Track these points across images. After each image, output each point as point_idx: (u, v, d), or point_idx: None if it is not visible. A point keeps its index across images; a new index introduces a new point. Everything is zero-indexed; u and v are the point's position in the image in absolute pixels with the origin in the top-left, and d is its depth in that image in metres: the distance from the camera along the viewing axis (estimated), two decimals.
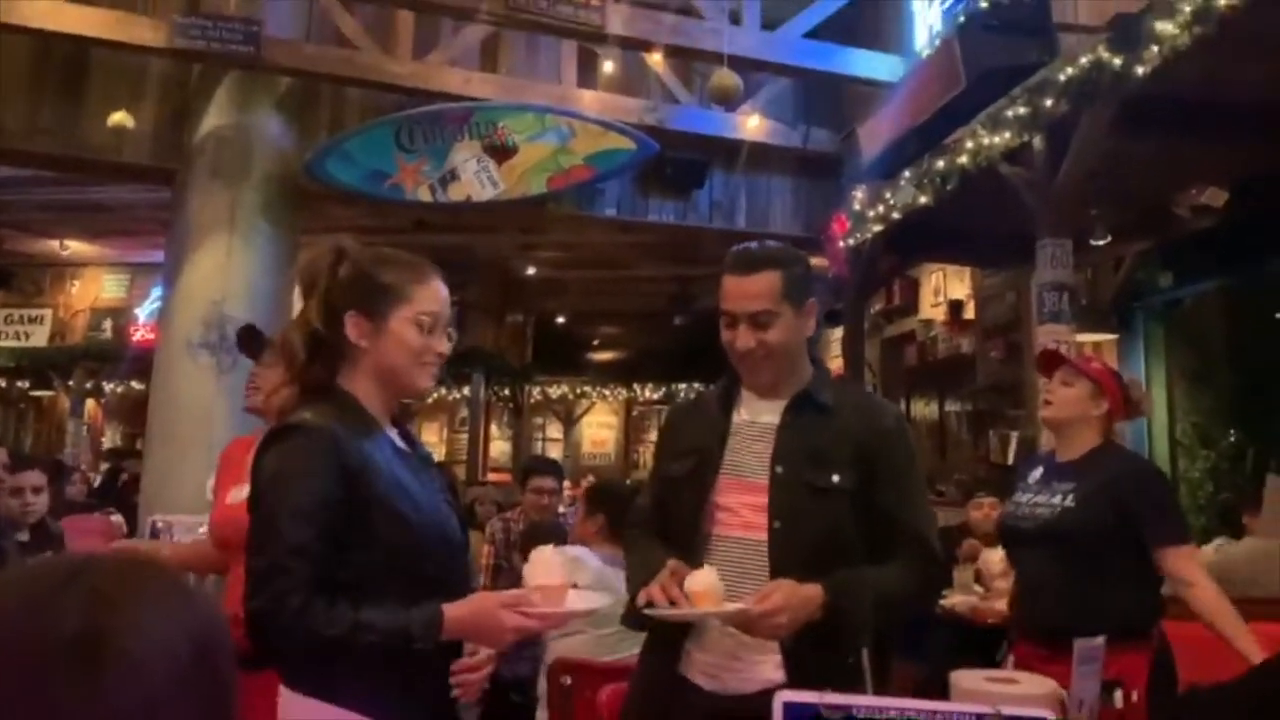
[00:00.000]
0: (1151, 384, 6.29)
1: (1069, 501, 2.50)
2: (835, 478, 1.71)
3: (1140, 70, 3.75)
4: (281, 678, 1.46)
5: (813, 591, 1.61)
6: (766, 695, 1.67)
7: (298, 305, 1.69)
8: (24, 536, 3.33)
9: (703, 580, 1.63)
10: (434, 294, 1.60)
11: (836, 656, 1.65)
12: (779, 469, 1.74)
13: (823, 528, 1.70)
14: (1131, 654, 2.26)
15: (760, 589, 1.63)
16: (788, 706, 1.32)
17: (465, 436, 12.24)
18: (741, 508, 1.76)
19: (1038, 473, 2.64)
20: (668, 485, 1.88)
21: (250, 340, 2.59)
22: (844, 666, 1.63)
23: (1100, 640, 1.50)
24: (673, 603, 1.64)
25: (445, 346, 1.62)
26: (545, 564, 1.60)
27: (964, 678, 1.51)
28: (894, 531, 1.74)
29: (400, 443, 1.64)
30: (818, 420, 1.77)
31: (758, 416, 1.83)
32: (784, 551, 1.70)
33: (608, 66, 6.49)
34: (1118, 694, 2.09)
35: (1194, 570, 2.43)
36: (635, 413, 14.96)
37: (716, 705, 1.73)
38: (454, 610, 1.49)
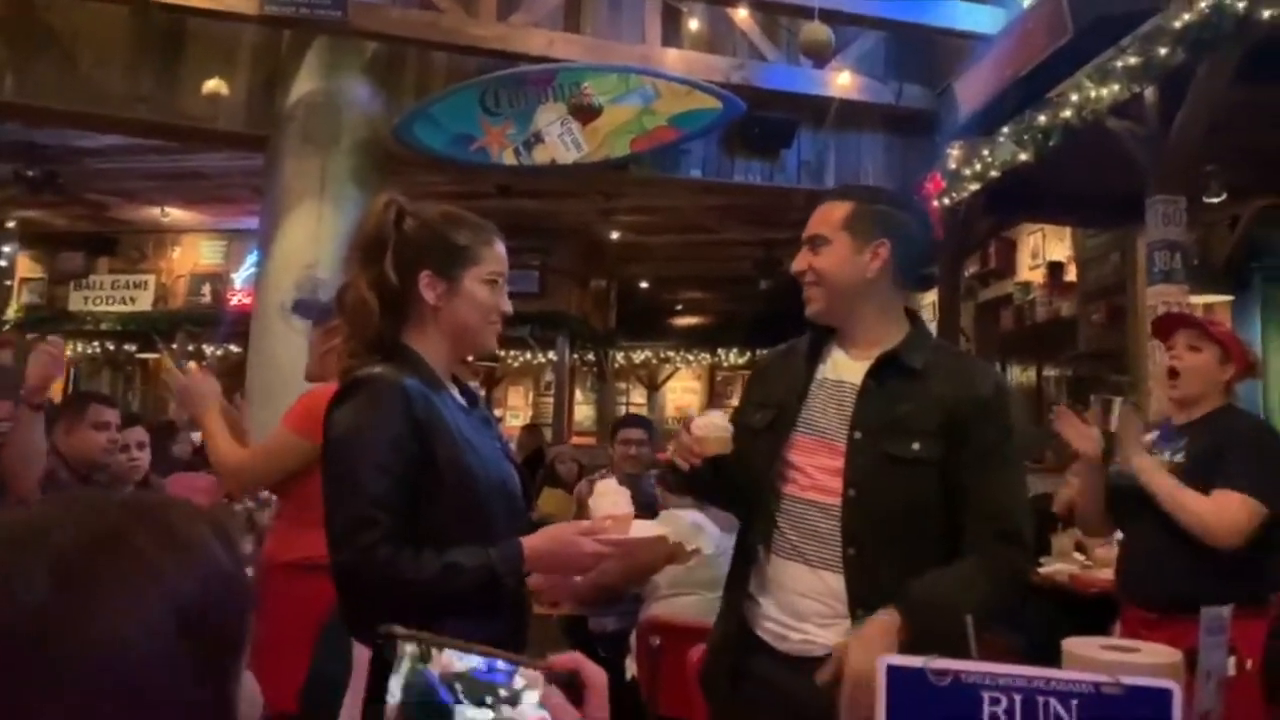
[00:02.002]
0: (1269, 348, 5.99)
1: (1179, 457, 2.39)
2: (916, 446, 1.63)
3: (1266, 15, 3.51)
4: (361, 636, 1.45)
5: (887, 621, 1.54)
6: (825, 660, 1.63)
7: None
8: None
9: (704, 423, 1.68)
10: (499, 254, 1.64)
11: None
12: (857, 434, 1.67)
13: (900, 499, 1.63)
14: (1247, 621, 2.14)
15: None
16: (892, 670, 1.26)
17: (551, 400, 12.35)
18: (815, 470, 1.70)
19: (1153, 435, 2.52)
20: (745, 434, 1.83)
21: (307, 307, 2.66)
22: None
23: (1227, 610, 1.42)
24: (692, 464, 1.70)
25: (508, 305, 1.66)
26: (612, 495, 1.61)
27: (1079, 645, 1.44)
28: (975, 508, 1.64)
29: (462, 401, 1.65)
30: (904, 384, 1.69)
31: (841, 375, 1.76)
32: (857, 520, 1.65)
33: (693, 24, 6.37)
34: (1231, 660, 2.00)
35: (1221, 507, 2.27)
36: (719, 378, 14.88)
37: (783, 666, 1.70)
38: (532, 542, 1.52)
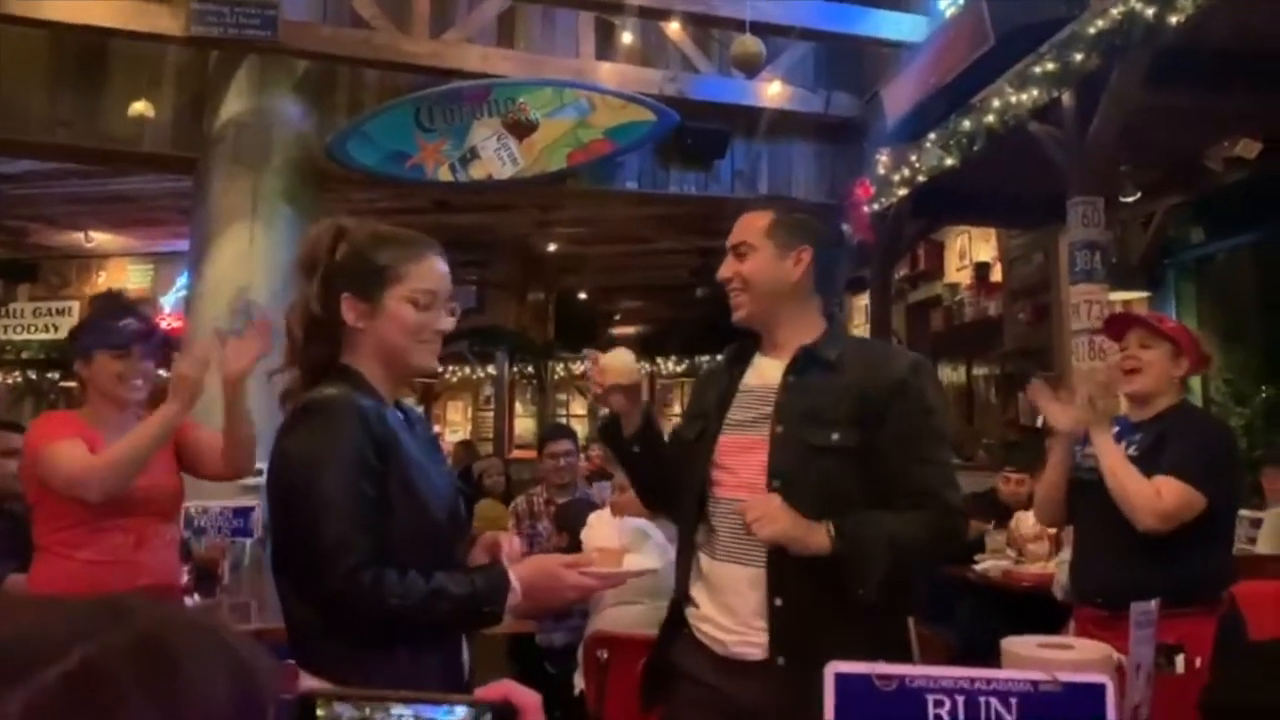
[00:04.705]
0: None
1: (1132, 450, 2.42)
2: (835, 436, 1.67)
3: (1173, 21, 3.67)
4: (305, 661, 1.41)
5: (819, 526, 1.60)
6: (764, 665, 1.67)
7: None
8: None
9: (609, 355, 1.79)
10: (430, 270, 1.58)
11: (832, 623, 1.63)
12: (779, 428, 1.72)
13: (823, 487, 1.67)
14: (1195, 619, 2.20)
15: (760, 547, 1.66)
16: (839, 678, 1.31)
17: (491, 414, 12.28)
18: (741, 468, 1.76)
19: (1114, 429, 2.55)
20: (680, 447, 1.91)
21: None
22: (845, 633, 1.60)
23: (1154, 604, 1.48)
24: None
25: (446, 323, 1.60)
26: (604, 528, 1.63)
27: (1017, 644, 1.49)
28: (903, 488, 1.68)
29: (403, 421, 1.63)
30: (820, 377, 1.75)
31: (763, 377, 1.83)
32: None
33: (626, 38, 6.42)
34: (1179, 659, 2.02)
35: (1158, 492, 2.29)
36: (659, 386, 14.92)
37: (721, 669, 1.73)
38: (517, 572, 1.49)
